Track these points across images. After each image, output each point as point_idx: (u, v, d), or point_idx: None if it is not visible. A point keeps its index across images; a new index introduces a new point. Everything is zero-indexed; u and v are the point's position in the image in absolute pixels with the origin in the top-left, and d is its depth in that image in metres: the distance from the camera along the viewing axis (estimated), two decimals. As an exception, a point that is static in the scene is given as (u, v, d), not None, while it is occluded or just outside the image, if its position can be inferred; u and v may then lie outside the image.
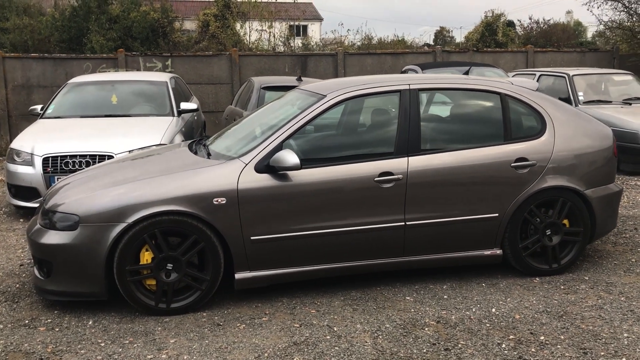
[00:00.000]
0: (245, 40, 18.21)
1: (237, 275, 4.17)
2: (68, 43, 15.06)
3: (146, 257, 4.01)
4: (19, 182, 6.58)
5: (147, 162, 4.81)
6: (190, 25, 21.11)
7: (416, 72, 10.00)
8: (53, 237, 4.03)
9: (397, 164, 4.32)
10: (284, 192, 4.15)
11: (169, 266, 4.03)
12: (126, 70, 12.26)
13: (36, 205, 6.55)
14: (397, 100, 4.49)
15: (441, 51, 13.97)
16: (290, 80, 8.66)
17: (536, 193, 4.55)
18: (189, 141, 5.38)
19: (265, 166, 4.13)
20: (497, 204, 4.51)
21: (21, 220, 6.68)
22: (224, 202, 4.04)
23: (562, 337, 3.65)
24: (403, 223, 4.34)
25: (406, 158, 4.35)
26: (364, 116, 4.79)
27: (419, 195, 4.35)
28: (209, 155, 4.53)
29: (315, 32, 39.76)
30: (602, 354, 3.45)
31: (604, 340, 3.61)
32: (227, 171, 4.13)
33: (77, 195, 4.17)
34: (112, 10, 15.21)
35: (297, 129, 4.28)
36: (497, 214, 4.51)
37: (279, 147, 4.18)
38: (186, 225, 4.00)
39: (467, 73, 6.06)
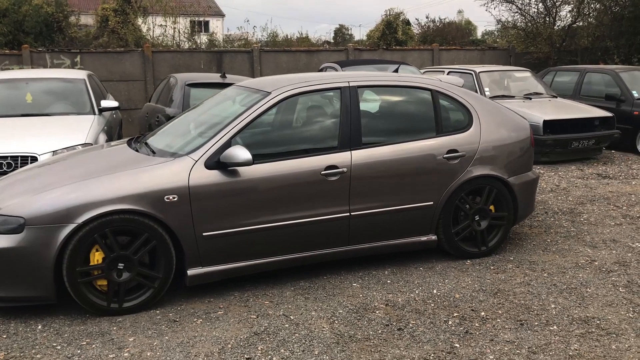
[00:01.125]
0: (148, 36, 17.74)
1: (190, 272, 4.20)
2: None
3: (97, 257, 3.96)
4: None
5: (88, 160, 4.71)
6: (86, 19, 20.25)
7: (335, 69, 10.28)
8: (-5, 242, 3.88)
9: (342, 158, 4.53)
10: (235, 188, 4.23)
11: (120, 265, 4.00)
12: (32, 68, 11.66)
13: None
14: (339, 97, 4.69)
15: (353, 49, 14.39)
16: (214, 77, 8.65)
17: (466, 182, 4.92)
18: (127, 139, 5.30)
19: (216, 162, 4.19)
20: (432, 193, 4.83)
21: None
22: (176, 199, 4.06)
23: (500, 312, 4.01)
24: (348, 214, 4.55)
25: (349, 152, 4.57)
26: (307, 112, 4.94)
27: (362, 186, 4.58)
28: (153, 152, 4.52)
29: (218, 28, 39.26)
30: (536, 324, 3.83)
31: (535, 312, 4.01)
32: (177, 168, 4.15)
33: (19, 197, 4.03)
34: (0, 3, 14.29)
35: (245, 125, 4.37)
36: (432, 202, 4.83)
37: (228, 144, 4.26)
38: (138, 223, 3.99)
39: (396, 71, 6.37)
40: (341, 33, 44.57)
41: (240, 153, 4.13)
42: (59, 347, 3.60)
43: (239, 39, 22.27)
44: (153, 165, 4.20)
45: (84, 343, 3.65)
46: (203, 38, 21.31)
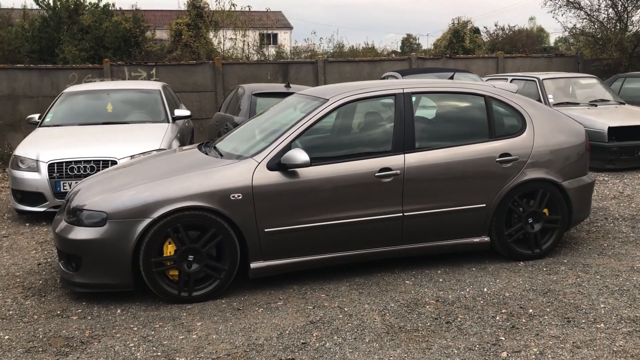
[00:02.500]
0: (219, 49, 18.50)
1: (253, 265, 4.54)
2: (39, 54, 15.08)
3: (169, 249, 4.36)
4: (25, 188, 6.82)
5: (162, 163, 5.15)
6: (160, 34, 21.29)
7: (396, 77, 10.49)
8: (81, 233, 4.35)
9: (395, 161, 4.76)
10: (294, 188, 4.54)
11: (190, 257, 4.38)
12: (112, 80, 12.50)
13: (42, 209, 6.84)
14: (393, 103, 4.93)
15: (416, 58, 14.54)
16: (279, 87, 9.07)
17: (519, 185, 5.03)
18: (197, 144, 5.74)
19: (277, 164, 4.52)
20: (485, 196, 4.98)
21: (27, 224, 6.92)
22: (240, 197, 4.41)
23: (548, 310, 4.12)
24: (401, 214, 4.78)
25: (403, 155, 4.79)
26: (363, 118, 5.21)
27: (415, 188, 4.79)
28: (221, 155, 4.90)
29: (286, 40, 40.15)
30: (583, 321, 3.93)
31: (584, 310, 4.10)
32: (242, 169, 4.51)
33: (102, 194, 4.49)
34: (84, 20, 15.29)
35: (304, 130, 4.68)
36: (484, 205, 4.98)
37: (288, 147, 4.58)
38: (206, 219, 4.36)
39: (451, 78, 6.55)
40: (408, 43, 44.56)
41: (299, 155, 4.44)
42: (135, 329, 4.00)
43: (305, 50, 22.83)
44: (220, 167, 4.58)
45: (157, 326, 4.04)
46: (271, 50, 22.00)
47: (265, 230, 4.49)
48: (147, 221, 4.26)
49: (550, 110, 5.45)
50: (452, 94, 5.25)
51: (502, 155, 5.01)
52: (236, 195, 4.41)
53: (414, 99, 5.02)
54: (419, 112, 5.20)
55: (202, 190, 4.37)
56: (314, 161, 4.56)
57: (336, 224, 4.63)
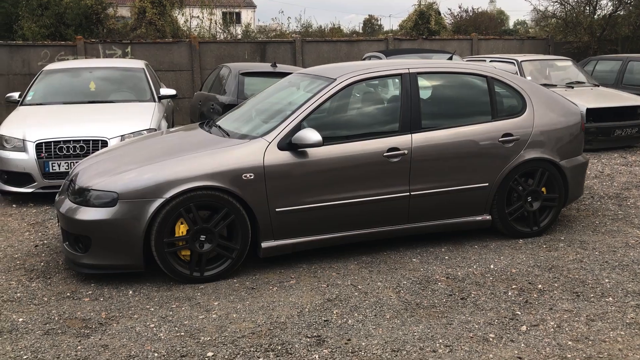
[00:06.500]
0: (185, 28, 18.11)
1: (264, 244, 4.54)
2: None
3: (182, 229, 4.32)
4: (11, 168, 6.62)
5: (167, 142, 5.08)
6: (122, 11, 20.73)
7: (379, 58, 10.52)
8: (91, 214, 4.27)
9: (403, 140, 4.81)
10: (304, 168, 4.54)
11: (202, 237, 4.36)
12: (85, 58, 12.16)
13: (30, 190, 6.66)
14: (399, 83, 4.96)
15: (393, 39, 14.58)
16: (265, 66, 9.00)
17: (520, 164, 5.15)
18: (198, 123, 5.67)
19: (288, 144, 4.50)
20: (487, 175, 5.08)
21: (14, 205, 6.74)
22: (252, 177, 4.39)
23: (556, 285, 4.26)
24: (408, 193, 4.84)
25: (410, 135, 4.84)
26: (370, 97, 5.23)
27: (422, 167, 4.85)
28: (227, 134, 4.85)
29: (250, 19, 39.66)
30: (592, 295, 4.08)
31: (590, 285, 4.25)
32: (253, 149, 4.48)
33: (110, 174, 4.40)
34: None
35: (313, 110, 4.67)
36: (487, 184, 5.08)
37: (298, 127, 4.57)
38: (219, 199, 4.33)
39: (450, 59, 6.61)
40: (370, 24, 44.45)
41: (312, 135, 4.43)
42: (152, 309, 3.97)
43: (273, 29, 22.60)
44: (230, 146, 4.54)
45: (174, 306, 4.02)
46: (238, 29, 21.70)
47: (277, 209, 4.48)
48: (159, 201, 4.21)
49: (548, 91, 5.58)
50: (456, 75, 5.31)
51: (504, 135, 5.11)
52: (248, 175, 4.38)
53: (419, 78, 5.05)
54: (421, 92, 5.24)
55: (214, 169, 4.33)
56: (323, 141, 4.55)
57: (345, 204, 4.66)
